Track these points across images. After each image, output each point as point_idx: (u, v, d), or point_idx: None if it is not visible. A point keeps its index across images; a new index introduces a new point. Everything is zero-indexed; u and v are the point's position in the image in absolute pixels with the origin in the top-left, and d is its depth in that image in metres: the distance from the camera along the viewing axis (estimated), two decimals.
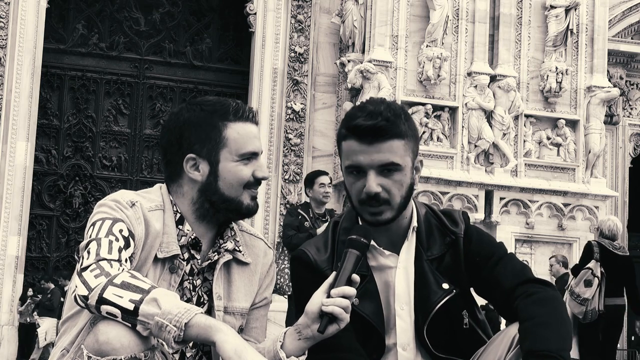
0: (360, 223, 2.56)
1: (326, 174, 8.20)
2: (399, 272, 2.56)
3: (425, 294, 2.52)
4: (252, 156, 2.44)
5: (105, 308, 2.14)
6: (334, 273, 2.35)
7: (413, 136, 2.49)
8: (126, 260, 2.26)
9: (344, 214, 2.67)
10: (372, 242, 2.50)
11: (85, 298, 2.16)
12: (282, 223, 8.03)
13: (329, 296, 2.29)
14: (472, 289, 2.62)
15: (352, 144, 2.44)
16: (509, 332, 2.41)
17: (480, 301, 2.75)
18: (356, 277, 2.32)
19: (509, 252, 2.60)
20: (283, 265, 8.27)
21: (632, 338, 18.65)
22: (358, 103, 2.58)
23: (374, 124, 2.40)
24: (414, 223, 2.58)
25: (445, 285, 2.52)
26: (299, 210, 8.11)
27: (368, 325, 2.52)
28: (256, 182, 2.46)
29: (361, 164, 2.44)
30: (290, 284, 6.65)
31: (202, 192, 2.43)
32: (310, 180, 8.09)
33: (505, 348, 2.38)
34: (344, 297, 2.27)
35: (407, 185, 2.49)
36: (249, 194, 2.45)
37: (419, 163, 2.55)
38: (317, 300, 2.30)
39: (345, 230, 2.57)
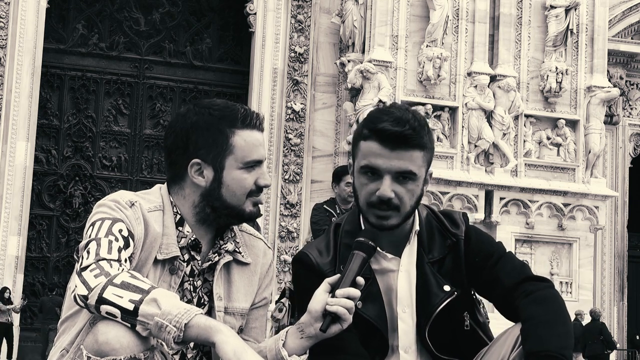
0: (363, 227, 2.56)
1: None
2: (401, 275, 2.57)
3: (426, 297, 2.53)
4: (256, 164, 2.44)
5: (104, 308, 2.14)
6: (338, 274, 2.36)
7: (431, 149, 2.53)
8: (126, 260, 2.26)
9: (345, 217, 2.68)
10: None
11: (84, 298, 2.17)
12: (310, 221, 7.81)
13: (333, 296, 2.30)
14: (473, 290, 2.63)
15: (373, 146, 2.44)
16: (513, 332, 2.42)
17: None
18: (361, 280, 2.34)
19: (507, 251, 2.61)
20: None
21: (638, 337, 18.66)
22: (377, 106, 2.58)
23: (401, 131, 2.41)
24: (416, 227, 2.60)
25: (447, 288, 2.53)
26: (325, 206, 7.82)
27: (371, 327, 2.53)
28: (258, 189, 2.46)
29: (379, 168, 2.45)
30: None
31: (204, 197, 2.43)
32: (338, 176, 7.68)
33: (510, 347, 2.40)
34: (348, 298, 2.29)
35: (417, 195, 2.52)
36: (252, 201, 2.45)
37: (429, 175, 2.59)
38: (321, 299, 2.32)
39: (347, 233, 2.58)
